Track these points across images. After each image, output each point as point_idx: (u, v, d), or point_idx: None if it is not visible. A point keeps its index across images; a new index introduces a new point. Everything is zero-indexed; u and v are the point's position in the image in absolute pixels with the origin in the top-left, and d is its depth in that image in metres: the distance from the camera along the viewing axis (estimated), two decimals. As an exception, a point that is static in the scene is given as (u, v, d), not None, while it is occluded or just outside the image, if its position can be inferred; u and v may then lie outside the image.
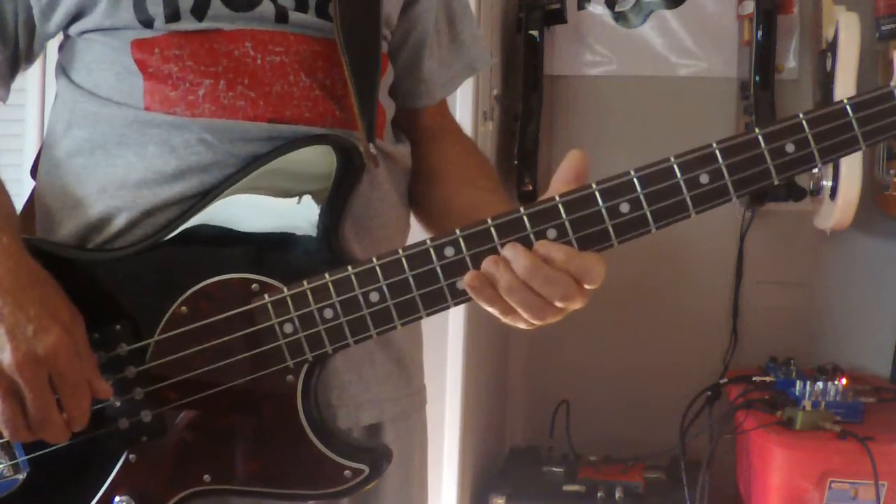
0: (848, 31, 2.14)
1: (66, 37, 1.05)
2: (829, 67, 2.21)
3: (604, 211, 0.88)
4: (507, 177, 2.54)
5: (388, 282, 0.91)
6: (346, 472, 0.95)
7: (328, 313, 0.92)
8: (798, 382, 2.06)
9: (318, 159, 0.97)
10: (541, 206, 0.89)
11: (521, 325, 0.91)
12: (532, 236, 0.89)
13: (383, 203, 1.08)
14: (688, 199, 0.88)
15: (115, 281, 0.96)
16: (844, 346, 2.57)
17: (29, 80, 2.28)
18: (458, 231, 0.90)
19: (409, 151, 1.15)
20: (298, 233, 0.95)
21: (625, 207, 0.88)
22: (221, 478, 0.95)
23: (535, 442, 2.65)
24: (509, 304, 0.88)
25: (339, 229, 0.96)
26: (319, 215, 0.95)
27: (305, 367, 0.94)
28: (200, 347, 0.94)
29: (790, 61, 2.62)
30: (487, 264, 0.88)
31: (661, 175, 0.88)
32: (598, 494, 2.23)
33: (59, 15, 1.02)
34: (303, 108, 1.01)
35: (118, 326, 0.94)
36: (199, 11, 0.99)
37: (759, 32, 2.45)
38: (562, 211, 0.88)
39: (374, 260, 0.91)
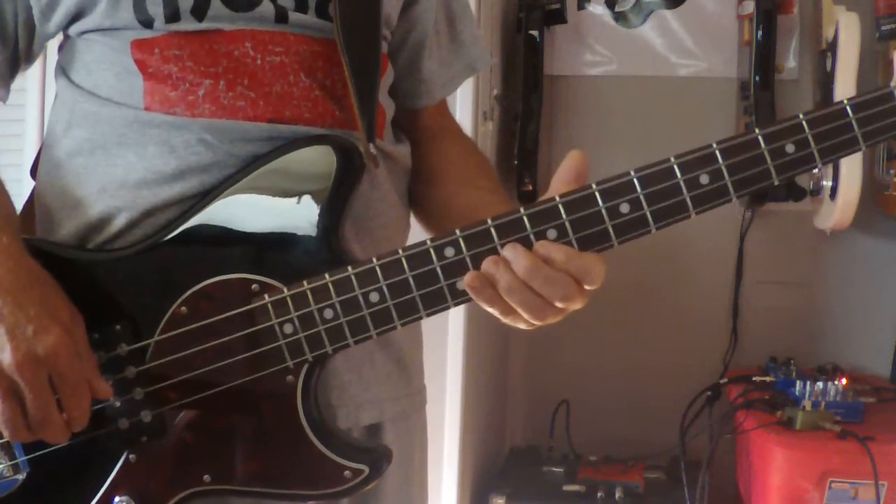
0: (848, 31, 2.14)
1: (66, 37, 1.05)
2: (829, 67, 2.21)
3: (604, 211, 0.88)
4: (507, 177, 2.54)
5: (388, 282, 0.91)
6: (346, 473, 0.95)
7: (328, 313, 0.92)
8: (798, 382, 2.06)
9: (318, 159, 0.97)
10: (541, 206, 0.89)
11: (522, 326, 0.91)
12: (532, 237, 0.88)
13: (383, 203, 1.08)
14: (688, 200, 0.88)
15: (115, 281, 0.96)
16: (844, 346, 2.57)
17: (29, 80, 2.28)
18: (458, 231, 0.90)
19: (409, 151, 1.15)
20: (298, 233, 0.95)
21: (625, 208, 0.88)
22: (221, 478, 0.95)
23: (535, 442, 2.65)
24: (509, 305, 0.88)
25: (339, 229, 0.96)
26: (319, 215, 0.95)
27: (305, 367, 0.94)
28: (200, 347, 0.94)
29: (790, 61, 2.62)
30: (487, 265, 0.88)
31: (662, 175, 0.88)
32: (598, 494, 2.23)
33: (59, 15, 1.02)
34: (303, 109, 1.01)
35: (118, 326, 0.94)
36: (199, 12, 0.99)
37: (759, 32, 2.45)
38: (562, 211, 0.88)
39: (374, 260, 0.91)
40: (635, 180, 0.88)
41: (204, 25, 0.99)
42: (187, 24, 0.99)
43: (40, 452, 0.94)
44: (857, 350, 2.57)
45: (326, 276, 0.92)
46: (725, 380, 2.35)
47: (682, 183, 0.88)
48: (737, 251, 2.66)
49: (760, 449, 1.97)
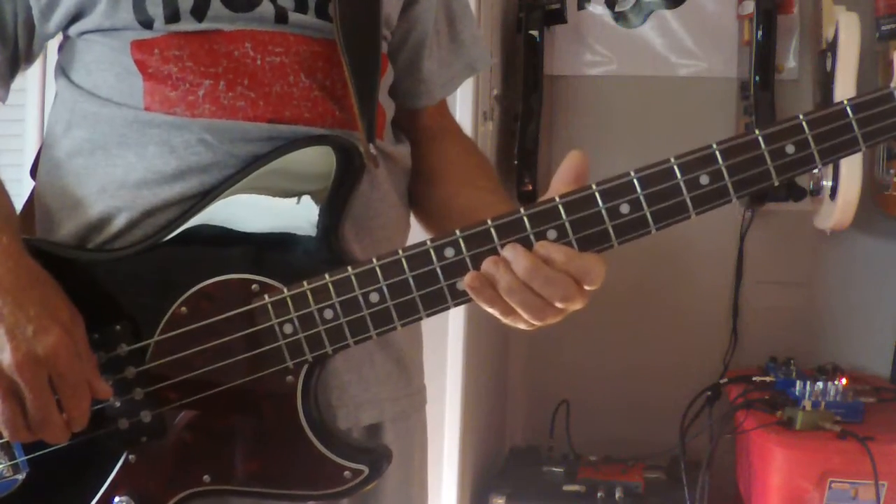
0: (848, 31, 2.14)
1: (66, 37, 1.05)
2: (829, 67, 2.21)
3: (604, 212, 0.88)
4: (507, 177, 2.54)
5: (388, 282, 0.91)
6: (346, 473, 0.95)
7: (328, 314, 0.92)
8: (798, 382, 2.06)
9: (318, 159, 0.97)
10: (541, 206, 0.89)
11: (522, 326, 0.91)
12: (532, 237, 0.88)
13: (383, 203, 1.08)
14: (688, 201, 0.88)
15: (115, 281, 0.96)
16: (844, 346, 2.57)
17: (29, 80, 2.28)
18: (458, 232, 0.89)
19: (409, 151, 1.15)
20: (298, 233, 0.95)
21: (625, 208, 0.88)
22: (221, 478, 0.95)
23: (535, 442, 2.65)
24: (509, 305, 0.88)
25: (339, 229, 0.96)
26: (319, 215, 0.95)
27: (305, 367, 0.94)
28: (200, 348, 0.94)
29: (790, 61, 2.62)
30: (487, 265, 0.88)
31: (662, 176, 0.88)
32: (598, 494, 2.23)
33: (59, 15, 1.02)
34: (302, 109, 1.01)
35: (118, 327, 0.94)
36: (199, 12, 0.99)
37: (759, 32, 2.45)
38: (562, 212, 0.88)
39: (374, 260, 0.91)
40: (635, 181, 0.88)
41: (204, 26, 0.99)
42: (187, 25, 0.99)
43: (40, 452, 0.94)
44: (857, 350, 2.57)
45: (326, 276, 0.92)
46: (725, 380, 2.35)
47: (682, 183, 0.88)
48: (737, 251, 2.66)
49: (760, 449, 1.97)
